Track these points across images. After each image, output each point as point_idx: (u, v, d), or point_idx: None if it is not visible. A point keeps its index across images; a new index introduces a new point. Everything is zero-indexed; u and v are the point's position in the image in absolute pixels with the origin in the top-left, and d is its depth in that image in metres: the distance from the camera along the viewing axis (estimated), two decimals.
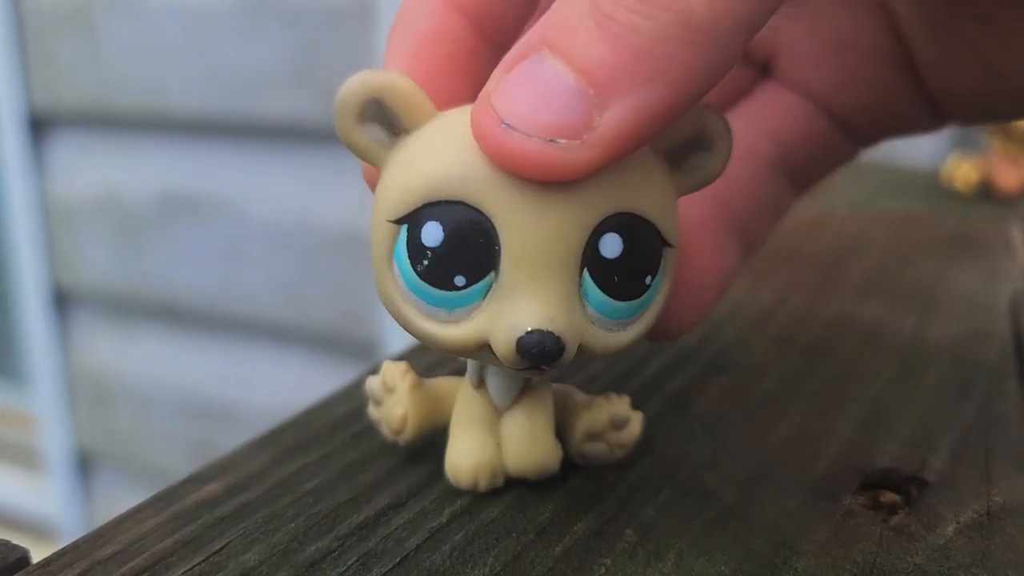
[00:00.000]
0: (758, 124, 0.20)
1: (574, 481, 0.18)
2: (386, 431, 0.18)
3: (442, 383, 0.18)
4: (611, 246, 0.15)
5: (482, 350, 0.15)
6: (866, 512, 0.17)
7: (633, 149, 0.14)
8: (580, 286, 0.15)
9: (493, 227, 0.14)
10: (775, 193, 0.21)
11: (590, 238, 0.14)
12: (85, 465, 1.07)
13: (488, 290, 0.15)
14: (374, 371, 0.18)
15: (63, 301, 1.01)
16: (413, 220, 0.15)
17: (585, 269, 0.15)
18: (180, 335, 0.95)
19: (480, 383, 0.17)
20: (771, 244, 0.36)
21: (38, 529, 1.13)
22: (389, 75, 0.15)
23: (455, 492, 0.17)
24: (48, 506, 1.11)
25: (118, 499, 1.04)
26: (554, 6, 0.14)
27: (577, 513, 0.17)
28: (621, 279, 0.15)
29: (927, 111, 0.19)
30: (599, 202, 0.14)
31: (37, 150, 0.97)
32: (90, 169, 0.94)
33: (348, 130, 0.15)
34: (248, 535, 0.16)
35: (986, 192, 0.50)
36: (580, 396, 0.18)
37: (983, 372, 0.24)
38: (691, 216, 0.19)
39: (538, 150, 0.13)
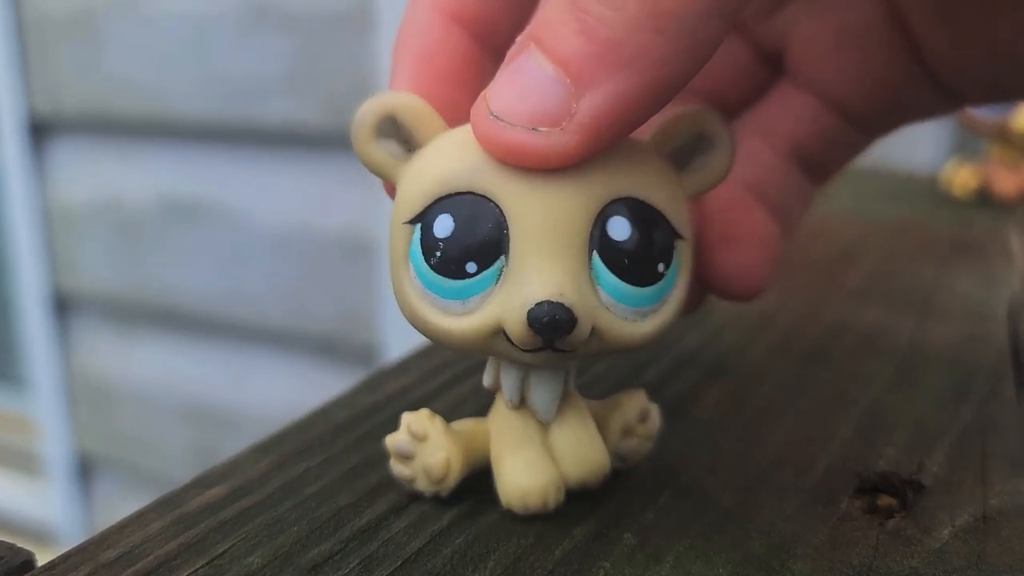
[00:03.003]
0: (773, 124, 0.21)
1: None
2: (424, 484, 0.17)
3: (467, 424, 0.18)
4: (619, 229, 0.15)
5: (497, 338, 0.15)
6: (863, 516, 0.17)
7: (615, 136, 0.15)
8: (591, 269, 0.15)
9: (501, 212, 0.15)
10: (798, 185, 0.21)
11: (597, 220, 0.15)
12: (86, 470, 1.07)
13: (499, 275, 0.15)
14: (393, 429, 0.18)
15: (64, 306, 1.02)
16: (425, 217, 0.15)
17: (595, 252, 0.15)
18: (181, 340, 0.95)
19: (521, 402, 0.17)
20: None
21: (39, 534, 1.13)
22: (402, 95, 0.16)
23: (456, 496, 0.17)
24: (49, 511, 1.11)
25: (119, 504, 1.04)
26: (541, 4, 0.15)
27: (576, 517, 0.17)
28: (632, 262, 0.15)
29: (938, 96, 0.19)
30: (603, 186, 0.15)
31: (38, 155, 0.97)
32: (91, 174, 0.95)
33: (365, 147, 0.16)
34: (251, 538, 0.16)
35: (984, 198, 0.50)
36: (595, 402, 0.18)
37: (980, 376, 0.24)
38: (723, 197, 0.20)
39: (521, 139, 0.14)
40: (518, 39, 0.15)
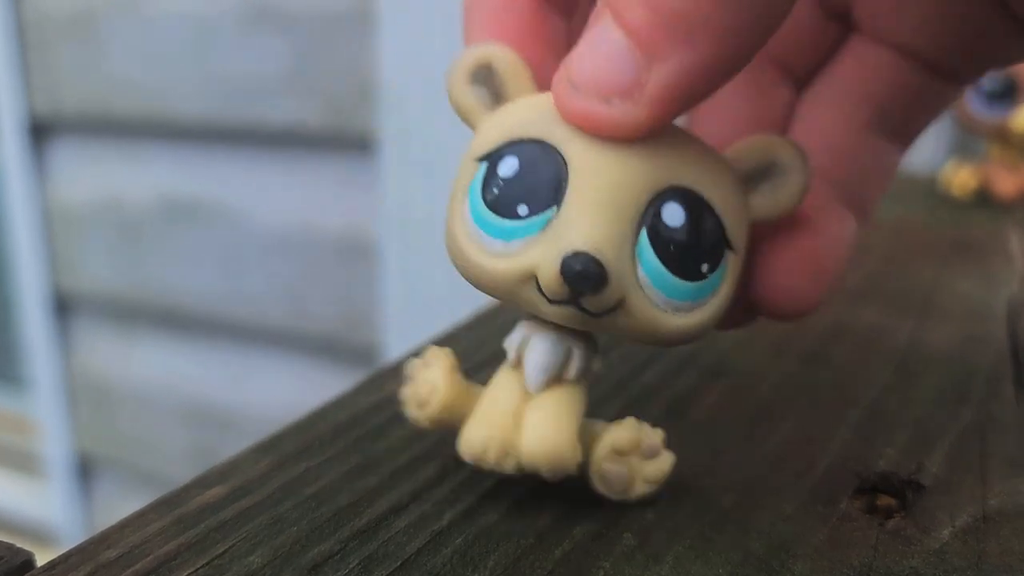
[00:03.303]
0: (848, 86, 0.20)
1: (573, 486, 0.18)
2: (412, 406, 0.18)
3: (479, 386, 0.18)
4: (673, 215, 0.15)
5: (527, 285, 0.15)
6: (862, 516, 0.17)
7: (684, 108, 0.15)
8: (636, 244, 0.15)
9: (565, 165, 0.15)
10: (878, 155, 0.20)
11: (654, 199, 0.15)
12: (86, 470, 1.07)
13: (547, 224, 0.15)
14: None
15: (64, 306, 1.01)
16: (494, 156, 0.16)
17: (644, 229, 0.15)
18: (181, 340, 0.95)
19: (517, 362, 0.17)
20: None
21: (39, 534, 1.13)
22: (503, 49, 0.17)
23: (456, 496, 0.17)
24: (49, 511, 1.11)
25: (119, 504, 1.04)
26: None
27: (576, 517, 0.17)
28: (677, 251, 0.15)
29: (1018, 32, 0.18)
30: (670, 170, 0.15)
31: (38, 155, 0.97)
32: (91, 174, 0.95)
33: (458, 87, 0.17)
34: (251, 538, 0.16)
35: (984, 198, 0.50)
36: (606, 423, 0.18)
37: (980, 377, 0.24)
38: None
39: (594, 109, 0.15)
40: (598, 4, 0.15)
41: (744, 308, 0.18)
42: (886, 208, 0.49)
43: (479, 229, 0.16)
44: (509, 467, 0.16)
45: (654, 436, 0.17)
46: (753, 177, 0.17)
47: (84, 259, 0.97)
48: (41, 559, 0.15)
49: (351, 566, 0.15)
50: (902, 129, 0.20)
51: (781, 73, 0.20)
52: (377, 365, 0.75)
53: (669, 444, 0.17)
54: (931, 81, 0.19)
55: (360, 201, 0.77)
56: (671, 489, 0.18)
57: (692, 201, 0.15)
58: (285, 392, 0.87)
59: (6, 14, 0.92)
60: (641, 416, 0.19)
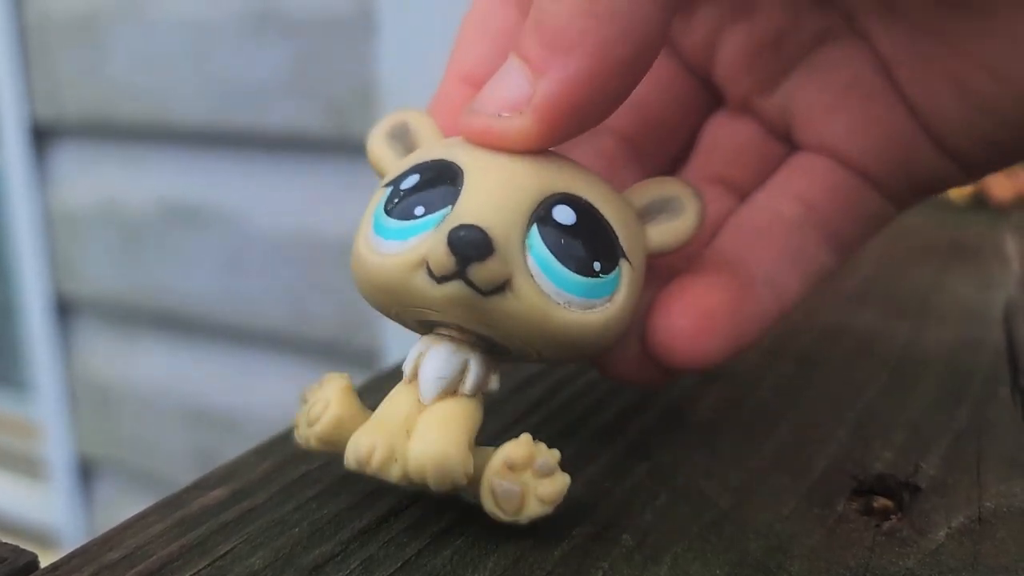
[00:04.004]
0: (783, 188, 0.20)
1: (572, 487, 0.18)
2: (301, 426, 0.17)
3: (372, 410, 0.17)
4: (564, 214, 0.16)
5: (417, 272, 0.15)
6: (859, 517, 0.17)
7: (572, 121, 0.16)
8: (526, 234, 0.16)
9: (461, 171, 0.16)
10: (804, 252, 0.20)
11: (545, 201, 0.16)
12: (87, 473, 1.07)
13: (442, 220, 0.16)
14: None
15: (65, 310, 1.02)
16: (399, 178, 0.17)
17: (535, 223, 0.16)
18: (182, 344, 0.95)
19: (413, 376, 0.16)
20: None
21: (41, 537, 1.13)
22: (414, 111, 0.19)
23: (456, 498, 0.18)
24: (51, 514, 1.11)
25: (120, 507, 1.04)
26: None
27: (575, 518, 0.17)
28: (568, 244, 0.16)
29: (944, 160, 0.19)
30: (562, 180, 0.16)
31: (40, 160, 0.97)
32: (92, 179, 0.95)
33: (376, 143, 0.19)
34: (252, 540, 0.16)
35: (980, 202, 0.50)
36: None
37: (976, 379, 0.24)
38: (700, 264, 0.19)
39: (488, 123, 0.16)
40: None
41: (646, 359, 0.19)
42: None
43: (379, 238, 0.16)
44: (394, 474, 0.16)
45: (550, 455, 0.16)
46: (649, 212, 0.18)
47: (85, 263, 0.98)
48: (44, 561, 0.16)
49: (352, 567, 0.15)
50: (836, 237, 0.20)
51: (723, 187, 0.21)
52: (377, 368, 0.75)
53: (667, 446, 0.18)
54: (867, 193, 0.20)
55: (360, 205, 0.76)
56: (669, 490, 0.18)
57: (583, 206, 0.16)
58: (286, 395, 0.86)
59: (8, 18, 0.92)
60: (638, 419, 0.19)
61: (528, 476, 0.16)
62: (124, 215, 0.93)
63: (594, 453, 0.19)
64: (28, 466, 1.21)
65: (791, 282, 0.20)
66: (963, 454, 0.20)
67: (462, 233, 0.15)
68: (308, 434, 0.17)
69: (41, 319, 1.02)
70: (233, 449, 0.20)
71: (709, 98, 0.22)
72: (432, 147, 0.18)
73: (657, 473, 0.19)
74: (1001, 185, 0.50)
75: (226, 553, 0.16)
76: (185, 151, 0.88)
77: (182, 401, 0.96)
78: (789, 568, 0.16)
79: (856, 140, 0.19)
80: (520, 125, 0.16)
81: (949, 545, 0.16)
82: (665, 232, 0.18)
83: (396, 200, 0.16)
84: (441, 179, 0.16)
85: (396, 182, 0.17)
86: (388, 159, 0.18)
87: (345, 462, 0.16)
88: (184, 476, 0.19)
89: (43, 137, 0.97)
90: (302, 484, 0.18)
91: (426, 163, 0.17)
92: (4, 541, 0.16)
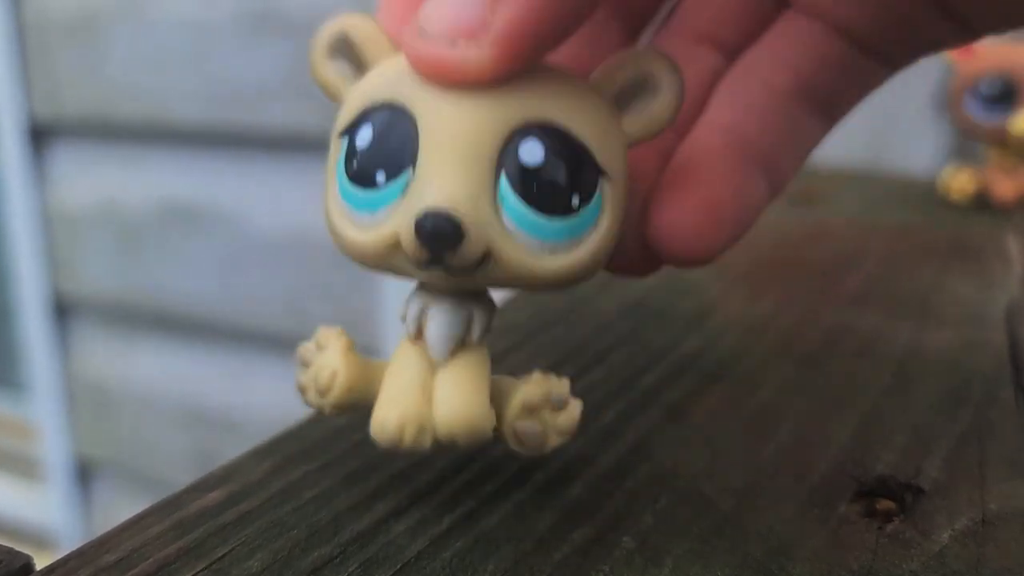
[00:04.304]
0: (776, 57, 0.19)
1: (572, 489, 0.18)
2: (312, 394, 0.17)
3: (378, 361, 0.17)
4: (531, 152, 0.15)
5: (397, 252, 0.15)
6: (861, 519, 0.17)
7: (532, 50, 0.15)
8: (497, 190, 0.15)
9: (414, 123, 0.15)
10: (798, 125, 0.20)
11: (509, 140, 0.15)
12: (85, 474, 1.07)
13: (406, 187, 0.15)
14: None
15: (63, 310, 1.02)
16: (352, 128, 0.16)
17: (503, 173, 0.15)
18: (180, 345, 0.95)
19: (418, 334, 0.16)
20: (768, 254, 0.37)
21: (38, 538, 1.13)
22: (355, 17, 0.17)
23: (456, 500, 0.17)
24: (48, 515, 1.11)
25: (118, 508, 1.04)
26: None
27: (575, 521, 0.17)
28: (541, 189, 0.15)
29: (948, 23, 0.18)
30: (521, 108, 0.15)
31: (38, 160, 0.97)
32: (90, 179, 0.95)
33: (318, 66, 0.17)
34: (250, 542, 0.16)
35: (982, 202, 0.50)
36: (513, 380, 0.17)
37: (978, 380, 0.24)
38: (700, 146, 0.19)
39: (440, 52, 0.14)
40: None
41: (642, 251, 0.18)
42: (885, 212, 0.49)
43: (347, 204, 0.16)
44: (426, 443, 0.16)
45: (561, 386, 0.17)
46: (624, 96, 0.16)
47: (84, 263, 0.97)
48: (40, 563, 0.15)
49: (351, 570, 0.15)
50: (827, 105, 0.20)
51: (710, 46, 0.20)
52: (378, 358, 0.75)
53: (668, 447, 0.17)
54: (860, 59, 0.19)
55: None
56: (670, 492, 0.18)
57: (550, 134, 0.15)
58: (284, 395, 0.86)
59: (7, 18, 0.92)
60: (639, 420, 0.19)
61: (546, 414, 0.16)
62: (122, 215, 0.93)
63: (594, 455, 0.19)
64: (25, 467, 1.21)
65: (786, 162, 0.20)
66: (966, 455, 0.20)
67: (428, 225, 0.14)
68: (321, 403, 0.17)
69: (39, 319, 1.02)
70: (232, 450, 0.20)
71: None
72: (382, 74, 0.16)
73: (657, 475, 0.19)
74: (1004, 185, 0.50)
75: (224, 555, 0.16)
76: (184, 151, 0.88)
77: (180, 402, 0.96)
78: (791, 571, 0.15)
79: (855, 6, 0.18)
80: (478, 57, 0.14)
81: (952, 547, 0.16)
82: (643, 120, 0.16)
83: (355, 163, 0.15)
84: (395, 131, 0.15)
85: (351, 132, 0.16)
86: (339, 84, 0.17)
87: (374, 440, 0.16)
88: (182, 477, 0.19)
89: (41, 137, 0.96)
90: (301, 486, 0.18)
91: (376, 109, 0.15)
92: (0, 543, 0.16)
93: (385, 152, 0.15)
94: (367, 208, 0.15)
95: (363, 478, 0.18)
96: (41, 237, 0.99)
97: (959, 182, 0.52)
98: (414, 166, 0.15)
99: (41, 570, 0.15)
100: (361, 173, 0.15)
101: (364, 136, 0.15)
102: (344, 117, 0.16)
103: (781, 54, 0.19)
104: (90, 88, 0.90)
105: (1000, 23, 0.18)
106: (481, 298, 0.17)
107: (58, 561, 0.15)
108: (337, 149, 0.16)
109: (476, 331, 0.16)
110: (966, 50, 0.49)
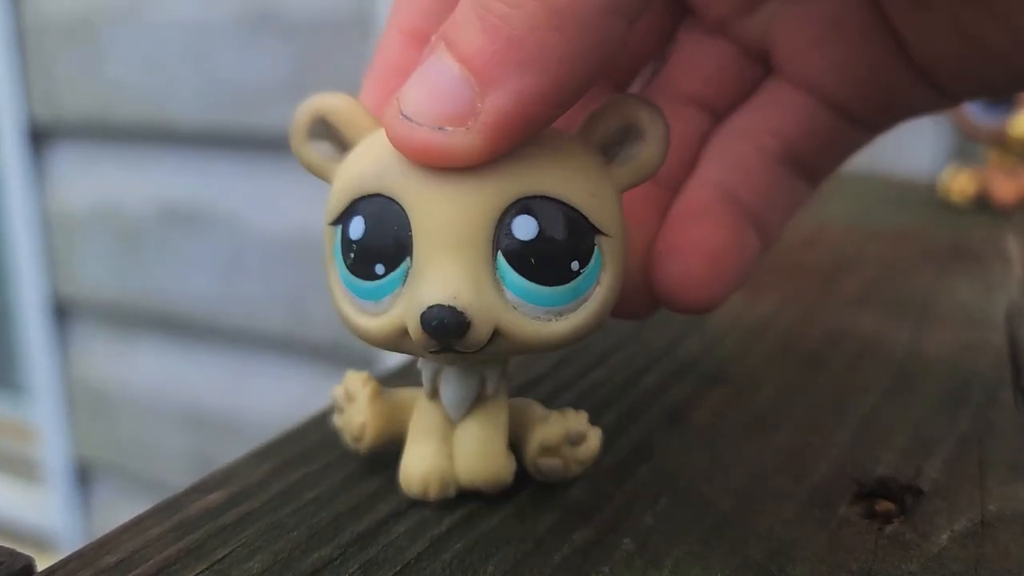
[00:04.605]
0: (762, 122, 0.20)
1: (572, 491, 0.18)
2: (347, 439, 0.18)
3: (403, 394, 0.18)
4: (524, 228, 0.15)
5: (406, 338, 0.15)
6: (861, 521, 0.17)
7: (522, 135, 0.15)
8: (496, 269, 0.15)
9: (405, 214, 0.15)
10: (786, 185, 0.20)
11: (501, 220, 0.15)
12: (84, 476, 1.06)
13: (406, 276, 0.15)
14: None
15: (63, 312, 1.01)
16: (344, 219, 0.16)
17: (500, 252, 0.15)
18: (180, 346, 0.95)
19: (433, 393, 0.17)
20: (768, 256, 0.37)
21: (38, 540, 1.13)
22: (331, 96, 0.17)
23: (455, 501, 0.17)
24: (47, 517, 1.11)
25: (117, 510, 1.03)
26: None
27: (575, 522, 0.17)
28: (540, 261, 0.15)
29: (928, 91, 0.19)
30: (508, 185, 0.15)
31: (37, 161, 0.97)
32: (90, 181, 0.95)
33: (299, 148, 0.17)
34: (250, 544, 0.16)
35: (982, 204, 0.50)
36: (539, 410, 0.18)
37: (978, 382, 0.24)
38: (696, 201, 0.19)
39: (428, 138, 0.14)
40: (432, 39, 0.15)
41: (643, 297, 0.19)
42: (885, 214, 0.49)
43: (351, 293, 0.16)
44: (451, 494, 0.17)
45: (578, 422, 0.17)
46: (610, 145, 0.16)
47: (83, 265, 0.97)
48: (40, 565, 0.15)
49: (351, 571, 0.15)
50: (811, 168, 0.20)
51: (697, 107, 0.21)
52: (376, 370, 0.75)
53: (668, 449, 0.17)
54: (842, 126, 0.20)
55: None
56: (670, 494, 0.18)
57: (542, 206, 0.15)
58: (284, 397, 0.86)
59: (6, 20, 0.92)
60: (640, 421, 0.19)
61: (565, 449, 0.17)
62: (122, 217, 0.93)
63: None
64: (25, 469, 1.21)
65: (774, 219, 0.20)
66: (965, 457, 0.20)
67: (434, 323, 0.14)
68: (356, 447, 0.18)
69: (38, 321, 1.02)
70: (231, 452, 0.20)
71: (678, 11, 0.21)
72: (363, 159, 0.16)
73: (658, 476, 0.19)
74: (1004, 187, 0.50)
75: (224, 557, 0.16)
76: (183, 153, 0.88)
77: (180, 404, 0.96)
78: (791, 572, 0.15)
79: (838, 77, 0.19)
80: (467, 143, 0.14)
81: (952, 548, 0.16)
82: (631, 167, 0.16)
83: (352, 255, 0.15)
84: (386, 223, 0.15)
85: (343, 222, 0.16)
86: (325, 165, 0.17)
87: (404, 491, 0.17)
88: (182, 479, 0.19)
89: (41, 138, 0.96)
90: (301, 487, 0.18)
91: (365, 200, 0.15)
92: (0, 545, 0.16)
93: (380, 244, 0.15)
94: (371, 297, 0.16)
95: (363, 479, 0.18)
96: (40, 239, 0.99)
97: (959, 183, 0.52)
98: (411, 255, 0.15)
99: (42, 572, 0.15)
100: (360, 265, 0.15)
101: (357, 228, 0.15)
102: (334, 206, 0.16)
103: (768, 120, 0.20)
104: (90, 89, 0.90)
105: (978, 90, 0.19)
106: (492, 363, 0.17)
107: (58, 563, 0.15)
108: (331, 238, 0.16)
109: (490, 387, 0.17)
110: None
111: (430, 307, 0.14)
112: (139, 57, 0.86)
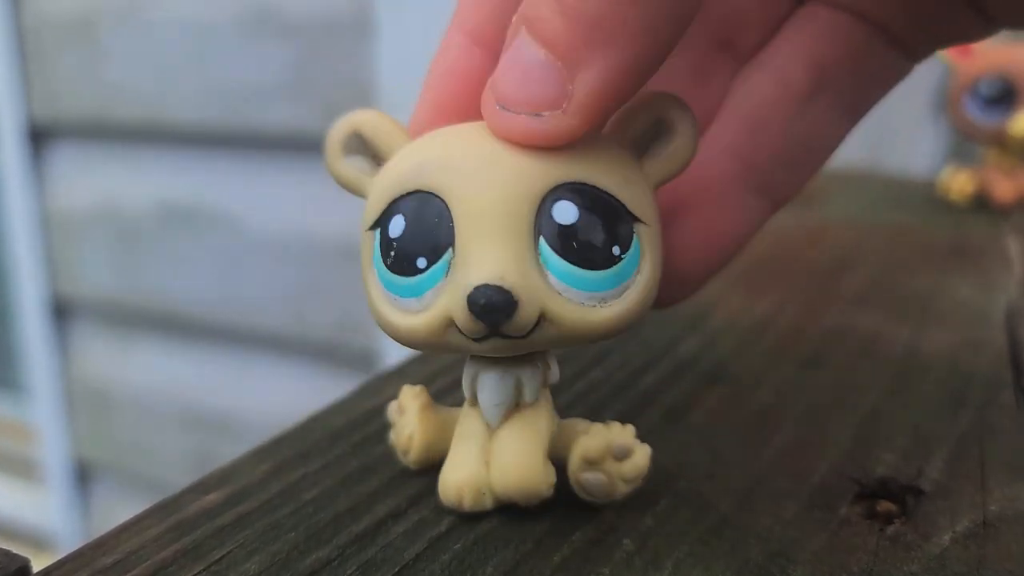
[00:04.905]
0: (793, 52, 0.19)
1: (572, 492, 0.18)
2: (399, 454, 0.18)
3: (455, 410, 0.18)
4: (565, 212, 0.15)
5: (451, 331, 0.15)
6: (862, 521, 0.17)
7: (614, 109, 0.15)
8: (539, 254, 0.15)
9: (446, 206, 0.15)
10: (816, 127, 0.19)
11: (541, 205, 0.15)
12: (84, 476, 1.06)
13: (448, 268, 0.15)
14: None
15: (62, 312, 1.01)
16: (382, 220, 0.16)
17: (541, 236, 0.15)
18: (179, 346, 0.95)
19: (474, 399, 0.17)
20: (768, 255, 0.37)
21: (37, 540, 1.13)
22: (365, 112, 0.17)
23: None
24: (47, 517, 1.11)
25: (117, 510, 1.03)
26: None
27: (575, 523, 0.17)
28: (582, 245, 0.15)
29: (973, 14, 0.18)
30: (547, 173, 0.15)
31: (37, 161, 0.97)
32: (90, 180, 0.95)
33: (334, 162, 0.17)
34: (248, 544, 0.16)
35: (982, 203, 0.50)
36: (583, 424, 0.18)
37: (979, 382, 0.24)
38: (705, 174, 0.19)
39: (527, 126, 0.15)
40: (513, 20, 0.15)
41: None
42: (884, 213, 0.49)
43: (391, 293, 0.16)
44: (488, 505, 0.17)
45: (624, 436, 0.17)
46: (641, 142, 0.17)
47: (83, 264, 0.97)
48: (39, 565, 0.15)
49: (349, 572, 0.15)
50: (850, 98, 0.20)
51: (723, 53, 0.20)
52: (375, 370, 0.75)
53: (668, 450, 0.17)
54: (883, 49, 0.19)
55: (359, 207, 0.77)
56: (670, 494, 0.18)
57: (581, 192, 0.15)
58: (283, 397, 0.86)
59: (6, 20, 0.92)
60: (639, 421, 0.19)
61: (609, 464, 0.17)
62: (122, 216, 0.93)
63: None
64: (24, 469, 1.21)
65: (796, 173, 0.20)
66: (966, 457, 0.20)
67: (482, 301, 0.14)
68: (406, 461, 0.18)
69: (38, 321, 1.02)
70: (230, 452, 0.19)
71: None
72: (398, 164, 0.16)
73: (658, 477, 0.19)
74: (1003, 185, 0.50)
75: (222, 558, 0.16)
76: (183, 152, 0.88)
77: (179, 403, 0.96)
78: (791, 573, 0.15)
79: None
80: (565, 125, 0.15)
81: (954, 549, 0.16)
82: (662, 162, 0.17)
83: (391, 252, 0.16)
84: (428, 216, 0.15)
85: (382, 225, 0.16)
86: (360, 180, 0.17)
87: (441, 500, 0.17)
88: (181, 479, 0.19)
89: (40, 138, 0.96)
90: (299, 487, 0.18)
91: (403, 199, 0.16)
92: None
93: (422, 238, 0.15)
94: (413, 294, 0.16)
95: (362, 480, 0.18)
96: (40, 238, 0.98)
97: (958, 183, 0.52)
98: (453, 246, 0.15)
99: (39, 572, 0.15)
100: (401, 262, 0.16)
101: (397, 226, 0.16)
102: (371, 211, 0.16)
103: (800, 46, 0.19)
104: (89, 89, 0.90)
105: (1018, 17, 0.18)
106: (532, 360, 0.17)
107: (56, 563, 0.15)
108: (370, 243, 0.16)
109: (528, 393, 0.17)
110: (965, 51, 0.49)
111: (477, 287, 0.14)
112: (139, 57, 0.86)
